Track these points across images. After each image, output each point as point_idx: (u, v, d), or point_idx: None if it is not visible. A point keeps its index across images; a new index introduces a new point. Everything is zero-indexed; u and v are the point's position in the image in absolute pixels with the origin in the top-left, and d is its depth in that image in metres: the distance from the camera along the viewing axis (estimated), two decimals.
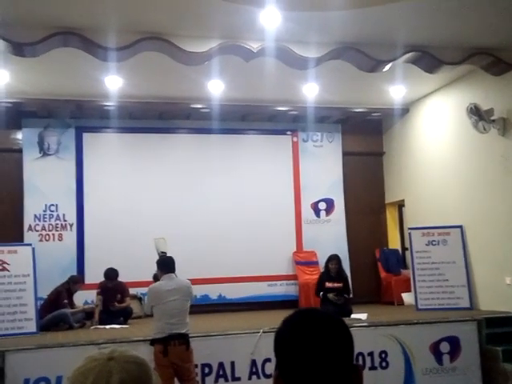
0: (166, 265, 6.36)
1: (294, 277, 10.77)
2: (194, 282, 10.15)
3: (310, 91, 9.39)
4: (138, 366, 1.38)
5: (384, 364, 7.29)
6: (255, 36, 7.25)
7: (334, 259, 9.01)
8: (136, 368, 1.36)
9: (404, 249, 11.44)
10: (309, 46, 7.55)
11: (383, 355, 7.29)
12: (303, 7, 6.60)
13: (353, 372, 1.32)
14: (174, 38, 7.21)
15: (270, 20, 6.82)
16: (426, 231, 9.35)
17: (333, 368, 1.28)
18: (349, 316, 8.21)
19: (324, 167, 11.27)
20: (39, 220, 9.98)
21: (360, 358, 6.97)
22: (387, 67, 8.02)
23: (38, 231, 9.94)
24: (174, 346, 5.89)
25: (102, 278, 9.12)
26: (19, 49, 6.89)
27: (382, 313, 9.12)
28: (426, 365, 7.43)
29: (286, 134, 11.30)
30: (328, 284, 8.83)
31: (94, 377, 1.31)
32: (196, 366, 6.86)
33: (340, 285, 8.79)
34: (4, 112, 9.42)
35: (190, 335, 6.15)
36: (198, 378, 6.89)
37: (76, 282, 9.02)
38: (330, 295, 8.69)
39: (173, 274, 6.26)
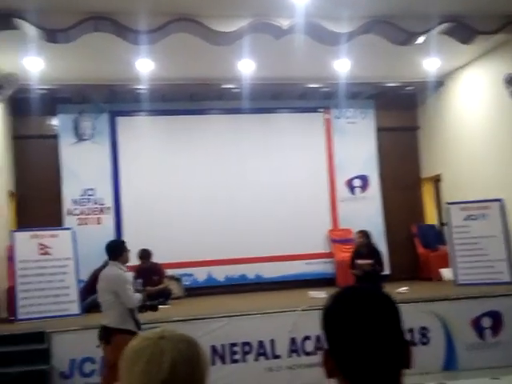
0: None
1: (331, 255, 10.77)
2: (231, 261, 10.38)
3: (342, 67, 9.28)
4: (189, 345, 1.39)
5: (425, 340, 7.24)
6: (285, 13, 7.18)
7: (359, 232, 8.93)
8: (187, 347, 1.38)
9: (441, 224, 11.28)
10: (339, 21, 7.45)
11: (423, 331, 7.25)
12: None
13: (403, 347, 1.31)
14: (204, 18, 7.20)
15: None
16: (464, 206, 9.19)
17: (384, 343, 1.28)
18: (382, 281, 8.16)
19: (357, 144, 11.16)
20: (77, 204, 10.16)
21: None
22: (421, 39, 7.86)
23: (76, 215, 10.12)
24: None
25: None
26: (52, 35, 6.98)
27: (420, 289, 9.06)
28: (467, 340, 7.35)
29: (318, 112, 11.21)
30: (359, 261, 8.71)
31: (147, 355, 1.34)
32: (236, 344, 6.94)
33: (370, 261, 8.62)
34: (39, 98, 9.55)
35: (115, 328, 5.41)
36: (239, 357, 6.97)
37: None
38: (359, 262, 8.57)
39: (111, 261, 5.68)
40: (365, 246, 8.83)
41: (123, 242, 5.89)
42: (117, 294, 5.41)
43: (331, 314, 1.33)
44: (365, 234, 8.91)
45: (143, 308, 5.93)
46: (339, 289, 1.38)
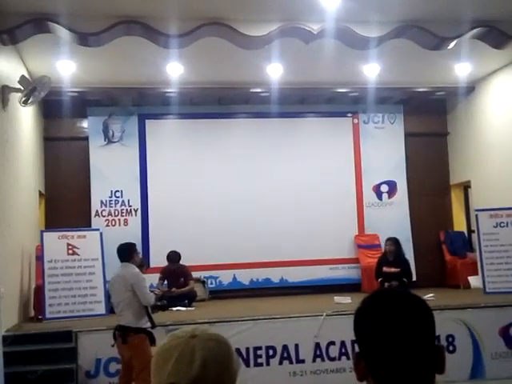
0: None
1: (356, 260, 10.70)
2: (257, 265, 10.38)
3: (371, 72, 9.23)
4: (219, 343, 1.40)
5: (451, 348, 7.16)
6: (315, 17, 7.17)
7: (390, 240, 8.85)
8: (217, 346, 1.39)
9: (470, 231, 11.14)
10: (370, 25, 7.41)
11: (450, 339, 7.17)
12: None
13: (436, 353, 1.30)
14: (235, 22, 7.22)
15: (330, 0, 6.72)
16: (493, 213, 9.07)
17: (416, 348, 1.27)
18: None
19: (386, 149, 11.08)
20: (105, 206, 10.27)
21: None
22: (452, 44, 7.77)
23: (104, 216, 10.23)
24: (117, 338, 5.68)
25: (166, 262, 9.34)
26: (84, 39, 7.07)
27: (448, 296, 8.95)
28: (495, 349, 7.24)
29: (346, 116, 11.16)
30: (385, 268, 8.65)
31: (178, 354, 1.34)
32: (260, 348, 6.94)
33: (397, 270, 8.57)
34: (70, 101, 9.71)
35: (133, 327, 5.56)
36: (263, 360, 6.97)
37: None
38: (385, 269, 8.54)
39: (125, 263, 5.82)
40: (393, 254, 8.76)
41: (133, 245, 6.00)
42: (134, 292, 5.57)
43: (363, 317, 1.33)
44: (395, 242, 8.85)
45: (154, 308, 6.04)
46: (372, 292, 1.38)
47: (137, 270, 5.77)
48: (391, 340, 1.26)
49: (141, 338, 5.49)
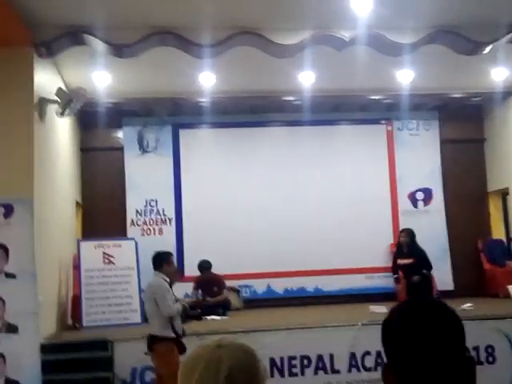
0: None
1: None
2: (291, 274, 10.33)
3: (405, 78, 9.13)
4: (246, 353, 1.39)
5: (491, 359, 6.98)
6: (347, 24, 7.14)
7: (404, 231, 8.68)
8: (244, 356, 1.38)
9: (509, 239, 10.88)
10: (402, 31, 7.35)
11: (489, 350, 6.98)
12: None
13: (466, 364, 1.26)
14: (266, 31, 7.25)
15: (362, 7, 6.69)
16: None
17: (445, 359, 1.24)
18: (429, 293, 7.94)
19: (421, 156, 10.94)
20: (140, 215, 10.38)
21: None
22: (488, 49, 7.63)
23: (139, 226, 10.34)
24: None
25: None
26: (119, 50, 7.19)
27: (487, 306, 8.74)
28: None
29: (380, 123, 11.07)
30: (399, 261, 8.49)
31: (205, 363, 1.34)
32: (295, 357, 6.89)
33: (410, 261, 8.35)
34: (106, 112, 9.86)
35: (158, 336, 5.61)
36: (297, 370, 6.91)
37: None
38: (400, 262, 8.41)
39: (156, 271, 5.87)
40: (406, 246, 8.56)
41: (165, 254, 5.98)
42: (156, 303, 5.61)
43: (392, 328, 1.31)
44: (410, 233, 8.61)
45: (187, 318, 6.02)
46: (400, 302, 1.35)
47: (161, 280, 5.74)
48: (420, 351, 1.24)
49: (167, 346, 5.52)
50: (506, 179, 10.65)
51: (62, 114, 7.39)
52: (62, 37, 6.85)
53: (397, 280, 8.70)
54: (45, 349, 6.39)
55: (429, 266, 8.47)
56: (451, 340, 1.25)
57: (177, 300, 5.99)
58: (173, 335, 5.59)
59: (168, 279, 5.80)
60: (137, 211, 10.38)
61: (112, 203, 10.36)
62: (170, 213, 10.48)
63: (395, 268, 8.70)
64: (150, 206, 10.43)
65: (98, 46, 7.09)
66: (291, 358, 6.90)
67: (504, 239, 11.03)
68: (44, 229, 7.19)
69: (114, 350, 6.76)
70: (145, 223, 10.37)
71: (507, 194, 10.87)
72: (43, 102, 7.39)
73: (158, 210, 10.44)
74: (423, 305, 1.32)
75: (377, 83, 9.61)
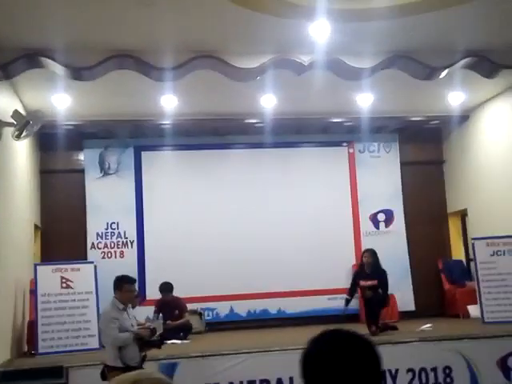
0: None
1: None
2: (253, 296, 10.28)
3: (365, 101, 9.28)
4: None
5: (448, 380, 7.01)
6: (306, 49, 7.25)
7: (368, 251, 8.55)
8: None
9: (469, 259, 11.05)
10: (361, 56, 7.49)
11: (447, 371, 7.02)
12: (352, 18, 6.54)
13: None
14: (226, 55, 7.30)
15: (320, 32, 6.80)
16: (490, 241, 9.00)
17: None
18: (384, 305, 8.02)
19: (382, 178, 11.08)
20: (101, 238, 10.25)
21: (423, 373, 6.76)
22: (443, 74, 7.83)
23: (100, 249, 10.20)
24: None
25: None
26: (78, 73, 7.15)
27: (446, 326, 8.84)
28: (493, 381, 7.09)
29: (341, 146, 11.19)
30: (362, 282, 8.38)
31: None
32: (254, 382, 6.84)
33: (374, 282, 8.25)
34: (66, 134, 9.76)
35: (109, 366, 5.54)
36: None
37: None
38: (362, 283, 8.35)
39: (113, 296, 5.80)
40: (370, 266, 8.46)
41: (119, 280, 5.79)
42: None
43: (308, 359, 1.35)
44: (373, 254, 8.49)
45: (145, 345, 5.75)
46: (319, 332, 1.39)
47: (109, 307, 5.65)
48: (334, 379, 1.27)
49: (116, 375, 5.36)
50: (464, 200, 10.85)
51: (19, 136, 7.28)
52: (18, 59, 6.77)
53: (347, 302, 8.57)
54: None
55: (386, 287, 8.35)
56: (365, 371, 1.30)
57: (138, 324, 5.88)
58: (121, 365, 5.45)
59: (121, 306, 5.68)
60: (97, 234, 10.24)
61: (72, 226, 10.20)
62: (132, 235, 10.36)
63: (354, 289, 8.64)
64: (112, 228, 10.31)
65: (56, 68, 7.04)
66: (250, 383, 6.84)
67: (463, 260, 11.20)
68: None
69: (68, 377, 6.60)
70: (106, 246, 10.24)
71: (466, 214, 11.07)
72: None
73: (119, 233, 10.31)
74: (338, 337, 1.36)
75: (337, 106, 9.75)
